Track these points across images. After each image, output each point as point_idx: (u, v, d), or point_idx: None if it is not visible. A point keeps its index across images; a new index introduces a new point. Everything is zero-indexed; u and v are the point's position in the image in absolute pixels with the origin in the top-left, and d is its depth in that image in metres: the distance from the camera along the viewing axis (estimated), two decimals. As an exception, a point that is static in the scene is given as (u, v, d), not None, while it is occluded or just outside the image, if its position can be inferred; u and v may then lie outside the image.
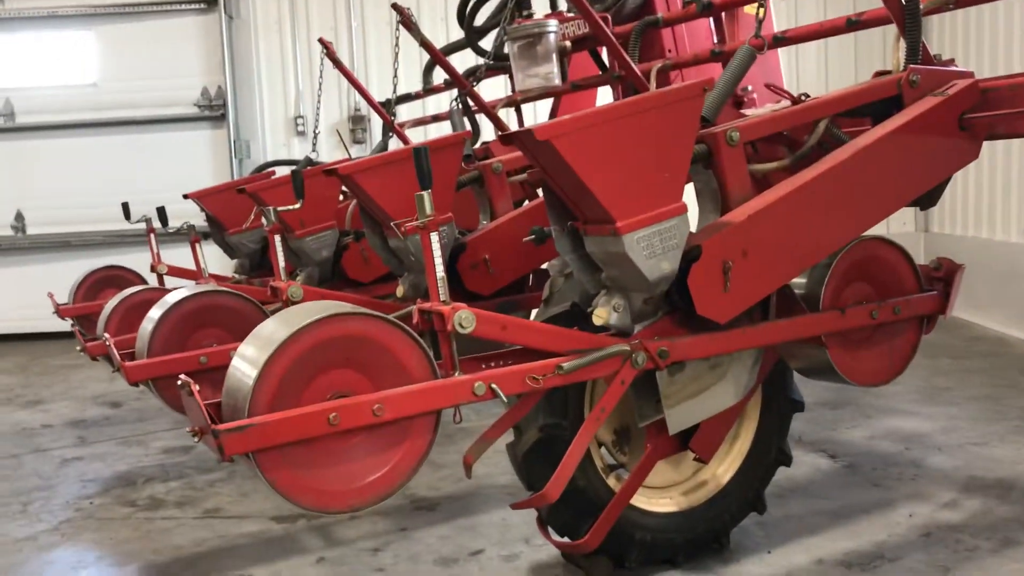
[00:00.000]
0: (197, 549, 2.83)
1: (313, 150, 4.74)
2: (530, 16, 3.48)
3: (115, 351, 2.56)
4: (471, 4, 3.54)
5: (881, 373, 2.26)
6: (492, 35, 3.93)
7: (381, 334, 1.79)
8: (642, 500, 2.34)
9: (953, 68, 2.35)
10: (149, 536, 2.96)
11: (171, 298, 2.61)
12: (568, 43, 3.48)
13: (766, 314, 2.08)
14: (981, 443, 3.43)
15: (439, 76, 4.52)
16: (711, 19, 3.45)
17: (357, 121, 7.18)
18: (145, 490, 3.41)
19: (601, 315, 1.89)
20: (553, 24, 3.39)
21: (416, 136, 5.46)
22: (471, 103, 4.01)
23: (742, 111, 3.13)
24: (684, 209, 1.83)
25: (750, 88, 3.14)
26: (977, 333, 5.58)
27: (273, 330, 1.76)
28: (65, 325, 4.45)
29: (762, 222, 1.95)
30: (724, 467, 2.46)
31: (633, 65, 3.19)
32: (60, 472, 3.73)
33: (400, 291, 2.79)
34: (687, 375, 1.98)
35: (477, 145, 3.82)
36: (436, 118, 5.03)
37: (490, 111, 3.71)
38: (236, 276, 3.95)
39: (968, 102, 2.26)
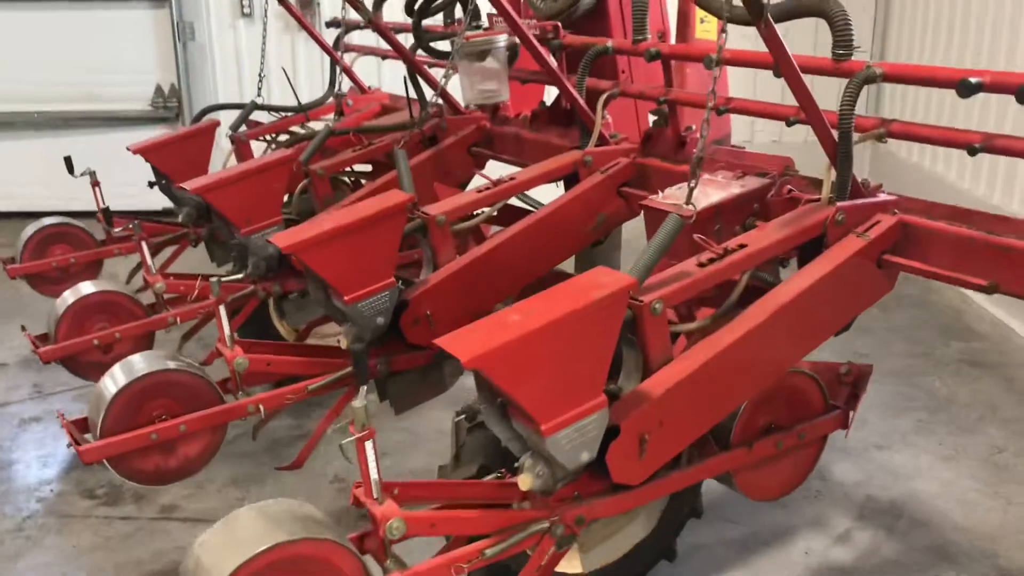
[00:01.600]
0: (156, 567, 3.06)
1: (259, 94, 4.63)
2: (479, 27, 3.40)
3: (72, 430, 2.67)
4: (418, 3, 3.43)
5: (782, 488, 2.48)
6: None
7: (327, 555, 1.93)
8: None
9: (879, 197, 2.42)
10: (109, 545, 3.18)
11: (123, 372, 2.69)
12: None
13: (678, 459, 2.25)
14: (884, 446, 3.73)
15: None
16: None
17: (306, 5, 6.89)
18: (104, 473, 3.61)
19: (526, 481, 2.05)
20: (503, 39, 3.32)
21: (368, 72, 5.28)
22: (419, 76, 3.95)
23: (684, 150, 3.17)
24: (605, 403, 1.96)
25: (693, 127, 3.15)
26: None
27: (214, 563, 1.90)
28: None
29: (680, 392, 2.08)
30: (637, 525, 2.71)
31: (579, 97, 3.18)
32: (19, 440, 3.90)
33: (344, 342, 2.89)
34: (600, 523, 2.18)
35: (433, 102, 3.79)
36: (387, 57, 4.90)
37: (440, 87, 3.65)
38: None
39: (889, 241, 2.35)
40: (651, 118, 3.70)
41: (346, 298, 2.72)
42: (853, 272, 2.32)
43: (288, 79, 4.71)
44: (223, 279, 3.11)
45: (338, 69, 4.80)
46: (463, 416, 2.34)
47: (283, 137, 4.74)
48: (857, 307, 2.40)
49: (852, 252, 2.30)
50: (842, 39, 2.38)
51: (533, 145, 3.71)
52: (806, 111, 2.28)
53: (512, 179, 3.15)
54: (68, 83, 7.01)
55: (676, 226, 2.14)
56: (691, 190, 2.19)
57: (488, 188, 3.10)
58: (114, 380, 2.67)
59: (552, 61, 3.12)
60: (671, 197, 2.74)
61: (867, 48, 7.01)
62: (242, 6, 7.01)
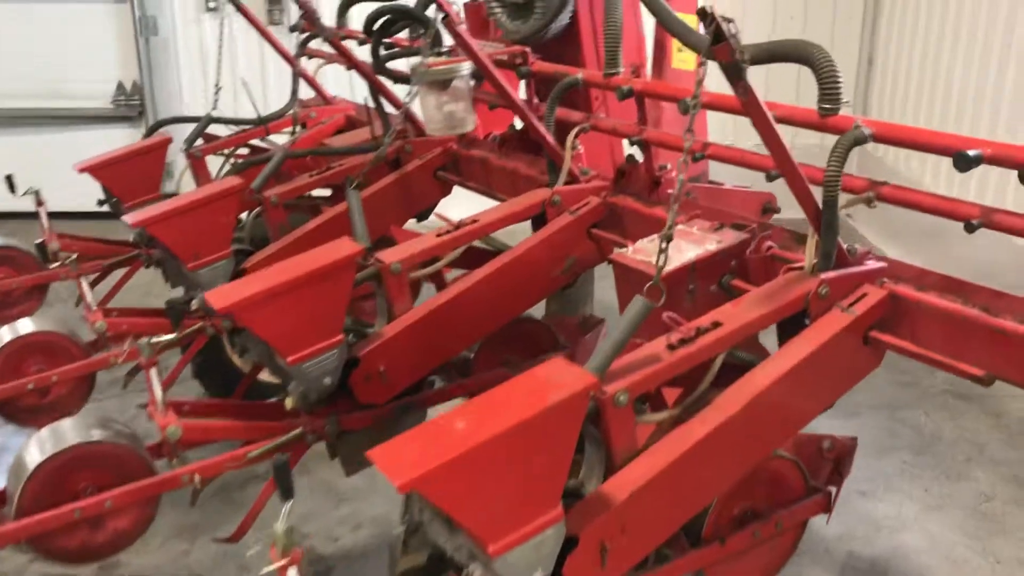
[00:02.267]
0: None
1: (215, 106, 4.38)
2: (441, 54, 3.17)
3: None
4: (378, 24, 3.18)
5: (759, 576, 2.30)
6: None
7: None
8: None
9: (867, 265, 2.22)
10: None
11: (46, 442, 2.47)
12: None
13: (644, 560, 2.06)
14: (868, 492, 3.56)
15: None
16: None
17: (274, 1, 6.62)
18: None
19: (468, 586, 1.85)
20: (467, 67, 3.08)
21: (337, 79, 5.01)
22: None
23: (658, 191, 2.96)
24: (561, 516, 1.76)
25: (668, 166, 2.94)
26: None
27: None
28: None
29: (647, 493, 1.89)
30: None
31: (546, 133, 2.96)
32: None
33: (289, 402, 2.68)
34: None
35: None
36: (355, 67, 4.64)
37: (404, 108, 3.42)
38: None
39: (877, 316, 2.16)
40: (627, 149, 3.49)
41: (289, 359, 2.50)
42: (838, 351, 2.13)
43: (247, 90, 4.45)
44: (152, 341, 2.87)
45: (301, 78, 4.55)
46: (403, 529, 2.13)
47: (244, 150, 4.51)
48: (842, 388, 2.20)
49: (837, 330, 2.10)
50: (829, 92, 2.15)
51: (501, 173, 3.50)
52: (786, 175, 2.08)
53: (475, 221, 2.93)
54: (27, 79, 6.72)
55: (644, 310, 1.93)
56: (660, 269, 1.97)
57: (448, 231, 2.88)
58: (37, 450, 2.46)
59: (515, 93, 2.90)
60: (642, 252, 2.55)
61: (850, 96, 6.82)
62: (208, 1, 6.74)
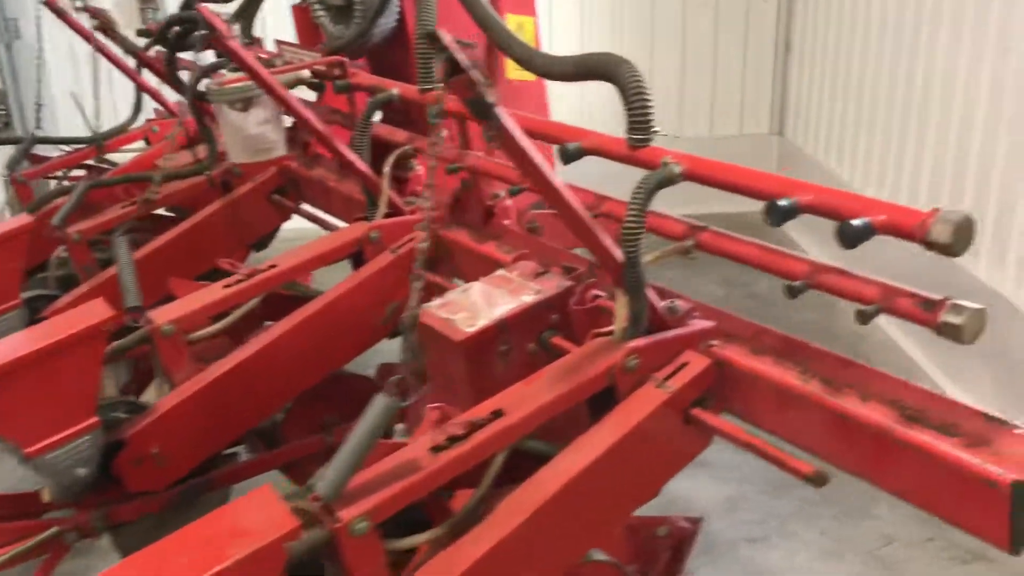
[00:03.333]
0: None
1: (38, 126, 3.92)
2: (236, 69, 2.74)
3: None
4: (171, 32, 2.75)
5: None
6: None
7: None
8: None
9: (692, 326, 1.85)
10: None
11: None
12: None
13: None
14: (758, 538, 3.21)
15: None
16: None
17: (147, 0, 6.13)
18: None
19: None
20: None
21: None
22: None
23: (491, 223, 2.57)
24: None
25: (501, 194, 2.55)
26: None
27: None
28: None
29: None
30: None
31: (355, 159, 2.56)
32: None
33: (46, 495, 2.28)
34: None
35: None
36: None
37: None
38: None
39: (699, 389, 1.78)
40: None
41: (28, 451, 2.09)
42: (654, 434, 1.75)
43: (78, 104, 3.99)
44: None
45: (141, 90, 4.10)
46: None
47: (79, 172, 4.05)
48: (664, 475, 1.83)
49: (650, 410, 1.73)
50: (638, 119, 1.77)
51: (338, 198, 3.09)
52: (571, 225, 1.69)
53: (273, 267, 2.52)
54: None
55: (387, 413, 1.54)
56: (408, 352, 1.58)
57: (239, 281, 2.47)
58: None
59: (308, 112, 2.49)
60: (451, 307, 2.15)
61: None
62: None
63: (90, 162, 4.04)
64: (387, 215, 2.61)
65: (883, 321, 4.60)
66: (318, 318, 2.46)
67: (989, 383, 3.86)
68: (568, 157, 1.92)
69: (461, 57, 1.41)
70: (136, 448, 2.26)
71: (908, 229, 1.37)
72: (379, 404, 1.54)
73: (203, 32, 2.79)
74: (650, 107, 1.76)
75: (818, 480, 1.59)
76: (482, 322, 2.04)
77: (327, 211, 3.23)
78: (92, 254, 3.18)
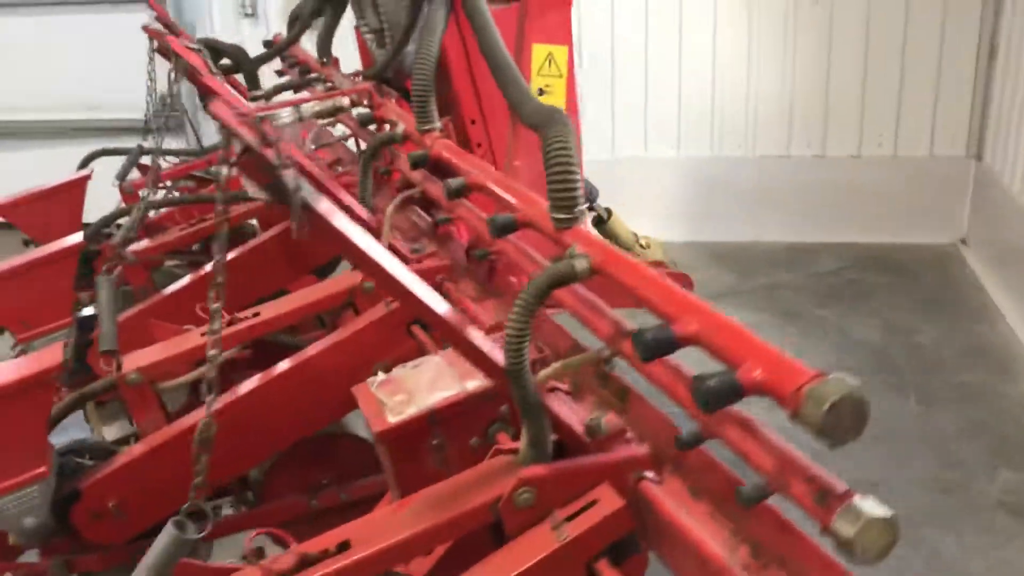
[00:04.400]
0: None
1: (145, 136, 3.99)
2: (260, 97, 2.61)
3: None
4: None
5: None
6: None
7: None
8: None
9: (617, 452, 1.48)
10: None
11: None
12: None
13: None
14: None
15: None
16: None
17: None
18: None
19: None
20: (287, 114, 2.50)
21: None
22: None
23: (493, 280, 2.29)
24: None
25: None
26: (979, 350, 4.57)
27: None
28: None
29: None
30: None
31: (352, 203, 2.35)
32: None
33: (12, 538, 2.23)
34: None
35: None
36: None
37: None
38: None
39: (606, 538, 1.42)
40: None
41: (-30, 498, 2.04)
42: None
43: (187, 117, 4.05)
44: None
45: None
46: None
47: (190, 183, 4.12)
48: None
49: (539, 557, 1.39)
50: (558, 194, 1.45)
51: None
52: (450, 340, 1.39)
53: (256, 315, 2.36)
54: (64, 91, 6.68)
55: (173, 549, 1.31)
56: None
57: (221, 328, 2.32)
58: None
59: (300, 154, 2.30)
60: (393, 386, 1.90)
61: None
62: (244, 5, 6.43)
63: (198, 173, 4.09)
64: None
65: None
66: (297, 373, 2.28)
67: None
68: (498, 231, 1.61)
69: (245, 134, 1.16)
70: (91, 501, 2.17)
71: (781, 396, 0.98)
72: (168, 536, 1.31)
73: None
74: (573, 181, 1.43)
75: None
76: (411, 411, 1.78)
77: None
78: (148, 276, 3.18)
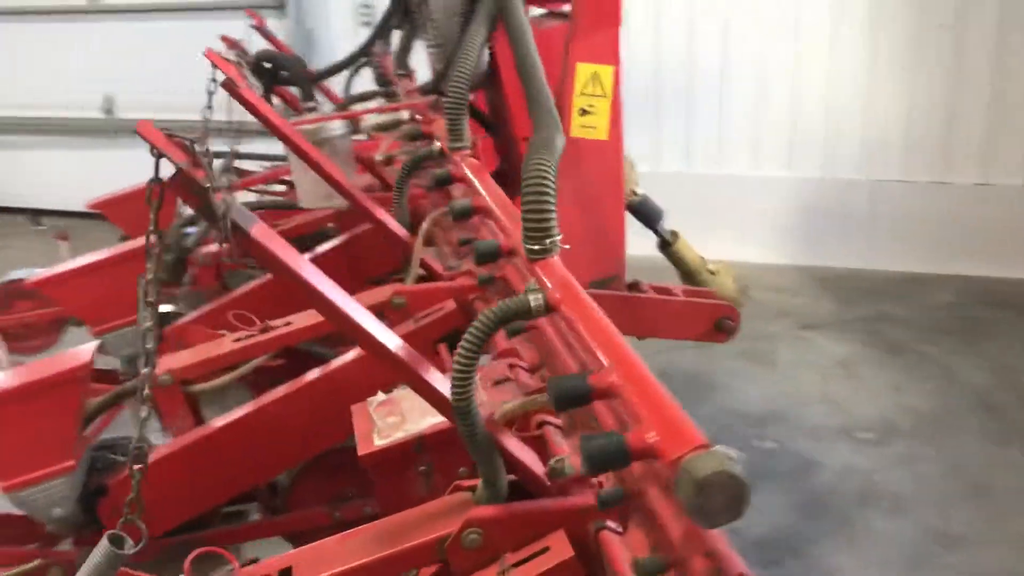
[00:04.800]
0: None
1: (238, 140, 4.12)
2: (314, 109, 2.64)
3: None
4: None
5: None
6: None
7: None
8: None
9: (574, 498, 1.41)
10: None
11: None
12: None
13: None
14: None
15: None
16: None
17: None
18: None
19: None
20: (338, 127, 2.53)
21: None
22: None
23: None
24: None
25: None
26: None
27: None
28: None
29: None
30: None
31: (386, 219, 2.34)
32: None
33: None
34: None
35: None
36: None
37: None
38: None
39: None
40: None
41: (3, 485, 2.14)
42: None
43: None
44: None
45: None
46: None
47: (279, 188, 4.23)
48: None
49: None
50: (531, 223, 1.39)
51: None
52: (397, 374, 1.36)
53: (288, 324, 2.38)
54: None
55: (107, 563, 1.32)
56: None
57: (250, 336, 2.36)
58: None
59: (339, 172, 2.31)
60: (389, 407, 1.89)
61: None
62: (362, 15, 6.59)
63: (288, 178, 4.20)
64: (420, 279, 2.37)
65: None
66: (324, 383, 2.29)
67: None
68: (480, 257, 1.56)
69: (175, 156, 1.16)
70: (117, 498, 2.23)
71: (663, 463, 0.90)
72: (103, 551, 1.33)
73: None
74: (546, 212, 1.38)
75: None
76: (400, 435, 1.76)
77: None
78: (219, 277, 3.27)
